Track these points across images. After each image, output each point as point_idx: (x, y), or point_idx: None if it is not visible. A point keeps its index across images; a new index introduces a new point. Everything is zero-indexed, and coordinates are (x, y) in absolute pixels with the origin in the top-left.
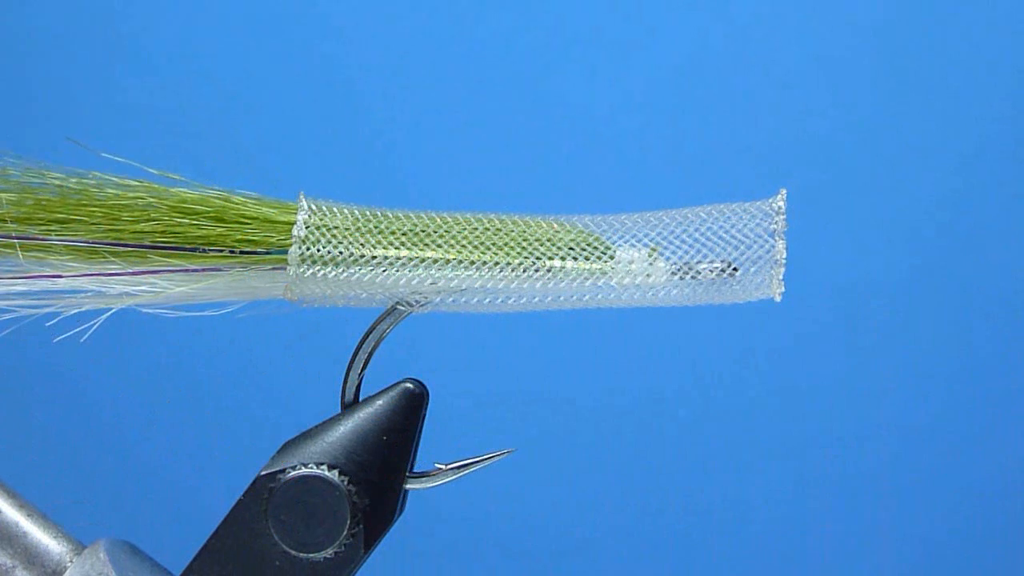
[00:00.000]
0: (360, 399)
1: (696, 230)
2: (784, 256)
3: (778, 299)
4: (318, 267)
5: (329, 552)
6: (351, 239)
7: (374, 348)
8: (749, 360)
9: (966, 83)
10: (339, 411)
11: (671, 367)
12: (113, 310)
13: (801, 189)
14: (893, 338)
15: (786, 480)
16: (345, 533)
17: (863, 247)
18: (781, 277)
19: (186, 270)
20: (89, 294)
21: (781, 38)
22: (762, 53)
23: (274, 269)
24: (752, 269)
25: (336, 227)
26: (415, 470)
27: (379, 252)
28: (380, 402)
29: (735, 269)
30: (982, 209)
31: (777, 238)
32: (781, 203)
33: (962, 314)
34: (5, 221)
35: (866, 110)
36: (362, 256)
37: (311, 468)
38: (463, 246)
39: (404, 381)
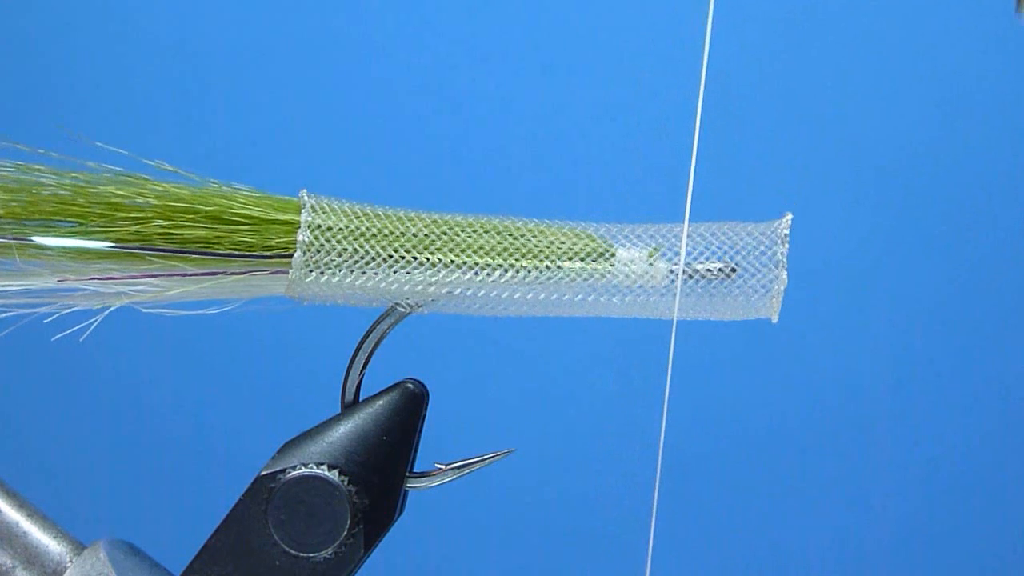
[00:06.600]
0: (360, 399)
1: (696, 247)
2: (784, 284)
3: (775, 320)
4: (320, 269)
5: (329, 552)
6: (352, 240)
7: (374, 348)
8: (750, 360)
9: (968, 84)
10: (339, 411)
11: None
12: (112, 309)
13: (802, 193)
14: (894, 339)
15: (786, 479)
16: (345, 533)
17: (864, 249)
18: (782, 289)
19: (186, 273)
20: (87, 293)
21: (783, 43)
22: (765, 57)
23: (276, 270)
24: (751, 282)
25: (339, 228)
26: (415, 470)
27: (380, 254)
28: (380, 402)
29: (733, 270)
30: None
31: (780, 268)
32: (785, 230)
33: (966, 316)
34: (5, 221)
35: (869, 113)
36: (363, 258)
37: (311, 468)
38: (464, 249)
39: (404, 381)
